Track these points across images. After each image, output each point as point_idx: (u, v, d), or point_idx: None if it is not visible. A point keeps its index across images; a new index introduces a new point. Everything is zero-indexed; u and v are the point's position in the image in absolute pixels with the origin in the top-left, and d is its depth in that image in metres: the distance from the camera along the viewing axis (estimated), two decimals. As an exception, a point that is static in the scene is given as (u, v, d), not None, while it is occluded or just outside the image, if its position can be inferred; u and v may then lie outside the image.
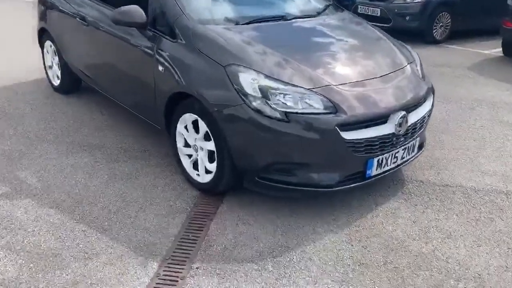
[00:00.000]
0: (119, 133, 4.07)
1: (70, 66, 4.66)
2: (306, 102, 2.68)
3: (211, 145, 2.96)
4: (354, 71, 2.97)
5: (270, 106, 2.64)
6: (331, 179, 2.79)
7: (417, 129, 3.08)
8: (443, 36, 8.46)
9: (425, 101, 3.13)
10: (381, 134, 2.80)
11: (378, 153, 2.84)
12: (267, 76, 2.72)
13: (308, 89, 2.71)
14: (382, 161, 2.89)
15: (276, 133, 2.65)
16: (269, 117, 2.64)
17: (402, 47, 3.54)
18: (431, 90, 3.25)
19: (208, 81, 2.86)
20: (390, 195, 3.22)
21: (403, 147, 2.99)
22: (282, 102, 2.66)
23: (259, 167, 2.79)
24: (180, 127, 3.20)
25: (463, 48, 8.06)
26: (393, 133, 2.85)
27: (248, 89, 2.70)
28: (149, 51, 3.27)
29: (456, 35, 8.46)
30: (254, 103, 2.67)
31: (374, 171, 2.88)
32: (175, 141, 3.29)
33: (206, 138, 3.01)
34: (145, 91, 3.45)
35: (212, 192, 3.14)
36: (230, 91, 2.74)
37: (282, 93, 2.68)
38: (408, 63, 3.28)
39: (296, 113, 2.64)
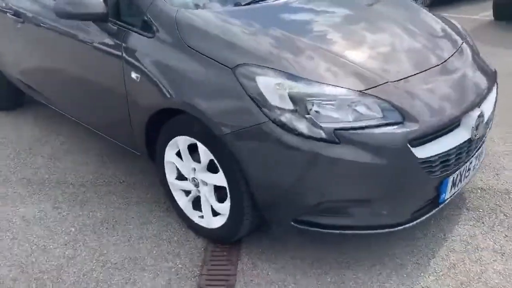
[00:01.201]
0: (83, 161, 3.11)
1: (6, 75, 3.62)
2: (358, 111, 1.84)
3: (219, 179, 2.10)
4: (408, 60, 2.15)
5: (310, 122, 1.80)
6: (400, 215, 1.99)
7: (489, 126, 2.31)
8: (426, 3, 7.82)
9: (492, 89, 2.36)
10: (458, 143, 2.02)
11: (454, 168, 2.06)
12: (297, 78, 1.87)
13: (360, 91, 1.87)
14: (457, 178, 2.11)
15: (321, 160, 1.81)
16: (310, 137, 1.79)
17: (443, 18, 2.75)
18: (495, 72, 2.47)
19: (210, 92, 1.97)
20: (454, 215, 2.47)
21: (476, 155, 2.23)
22: (325, 114, 1.82)
23: (297, 209, 1.95)
24: (169, 155, 2.31)
25: (448, 14, 7.39)
26: (469, 139, 2.07)
27: (273, 99, 1.83)
28: (114, 51, 2.34)
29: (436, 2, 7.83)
30: (284, 119, 1.81)
31: (448, 193, 2.10)
32: (164, 174, 2.40)
33: (211, 168, 2.14)
34: (112, 107, 2.52)
35: (224, 240, 2.29)
36: (245, 103, 1.87)
37: (323, 101, 1.83)
38: (463, 40, 2.49)
39: (349, 128, 1.80)
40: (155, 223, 2.49)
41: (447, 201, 2.13)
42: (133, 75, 2.25)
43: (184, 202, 2.38)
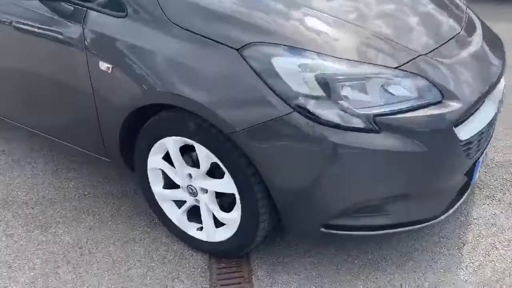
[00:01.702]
0: (32, 172, 2.59)
1: None
2: (391, 92, 1.56)
3: (224, 185, 1.75)
4: (428, 31, 1.89)
5: (344, 109, 1.49)
6: (438, 206, 1.76)
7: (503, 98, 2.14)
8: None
9: (505, 58, 2.18)
10: (489, 120, 1.82)
11: (485, 147, 1.87)
12: (324, 56, 1.54)
13: (395, 68, 1.59)
14: (485, 157, 1.92)
15: (359, 154, 1.51)
16: (345, 128, 1.49)
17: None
18: (501, 40, 2.30)
19: (212, 81, 1.59)
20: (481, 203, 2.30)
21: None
22: (357, 99, 1.52)
23: (329, 213, 1.65)
24: (154, 161, 1.91)
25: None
26: (496, 113, 1.88)
27: (297, 84, 1.50)
28: (72, 38, 1.87)
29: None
30: (311, 108, 1.49)
31: (477, 175, 1.91)
32: (147, 183, 2.00)
33: (211, 173, 1.78)
34: (75, 109, 2.06)
35: (231, 255, 1.95)
36: (261, 92, 1.52)
37: (354, 82, 1.53)
38: (465, 7, 2.28)
39: (389, 113, 1.51)
40: (141, 241, 2.09)
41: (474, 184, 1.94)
42: (102, 66, 1.80)
43: (176, 215, 2.00)
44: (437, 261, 1.91)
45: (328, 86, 1.49)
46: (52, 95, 2.08)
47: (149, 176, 1.98)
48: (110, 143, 2.01)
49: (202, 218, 1.91)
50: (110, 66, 1.78)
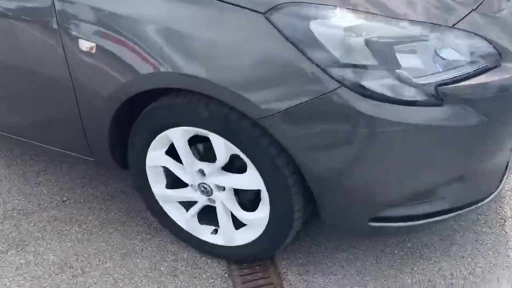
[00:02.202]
0: (5, 182, 2.19)
1: None
2: (446, 57, 1.30)
3: (248, 180, 1.46)
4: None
5: (401, 79, 1.23)
6: (492, 182, 1.55)
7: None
8: None
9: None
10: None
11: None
12: (372, 16, 1.26)
13: (452, 26, 1.33)
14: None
15: (419, 132, 1.26)
16: (404, 102, 1.23)
17: None
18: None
19: (233, 56, 1.27)
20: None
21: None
22: (410, 66, 1.26)
23: (380, 204, 1.40)
24: (155, 157, 1.59)
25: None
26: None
27: (343, 52, 1.22)
28: (39, 8, 1.48)
29: None
30: (363, 81, 1.22)
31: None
32: (146, 183, 1.68)
33: (228, 167, 1.49)
34: (46, 102, 1.68)
35: (255, 259, 1.68)
36: (297, 67, 1.23)
37: (410, 45, 1.26)
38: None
39: (449, 82, 1.26)
40: (142, 252, 1.77)
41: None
42: (83, 45, 1.44)
43: (184, 218, 1.69)
44: (483, 242, 1.73)
45: (381, 53, 1.22)
46: (20, 88, 1.69)
47: (148, 175, 1.66)
48: (96, 140, 1.67)
49: (219, 220, 1.62)
50: (93, 45, 1.42)
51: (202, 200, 1.62)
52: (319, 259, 1.70)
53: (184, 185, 1.63)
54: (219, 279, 1.65)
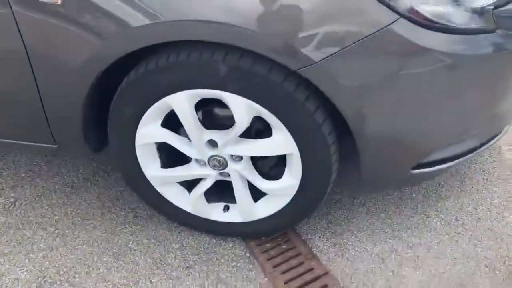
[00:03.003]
0: None
1: None
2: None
3: (276, 145, 1.23)
4: None
5: (465, 7, 1.07)
6: (505, 120, 1.49)
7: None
8: None
9: None
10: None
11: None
12: None
13: None
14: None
15: (479, 65, 1.13)
16: (465, 31, 1.08)
17: None
18: None
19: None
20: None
21: None
22: (458, -9, 1.10)
23: (428, 149, 1.26)
24: (148, 132, 1.29)
25: None
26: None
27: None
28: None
29: None
30: (423, 11, 1.03)
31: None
32: (136, 166, 1.37)
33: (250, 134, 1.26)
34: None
35: (278, 232, 1.49)
36: (348, 1, 1.01)
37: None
38: None
39: (504, 3, 1.13)
40: (138, 246, 1.48)
41: None
42: (42, -5, 1.06)
43: (189, 199, 1.43)
44: (490, 172, 1.72)
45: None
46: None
47: (138, 156, 1.35)
48: (62, 123, 1.31)
49: (236, 194, 1.38)
50: (60, -4, 1.05)
51: (212, 176, 1.36)
52: (340, 218, 1.56)
53: (184, 161, 1.36)
54: (241, 261, 1.44)
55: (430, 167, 1.32)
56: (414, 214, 1.56)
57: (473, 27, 1.09)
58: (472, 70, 1.13)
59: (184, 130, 1.29)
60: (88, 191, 1.68)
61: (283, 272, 1.39)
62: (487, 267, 1.38)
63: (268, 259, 1.44)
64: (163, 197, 1.44)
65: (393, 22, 1.02)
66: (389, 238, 1.49)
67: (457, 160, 1.35)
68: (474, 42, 1.10)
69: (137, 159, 1.36)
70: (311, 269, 1.40)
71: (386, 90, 1.11)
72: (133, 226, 1.55)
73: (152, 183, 1.41)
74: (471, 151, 1.37)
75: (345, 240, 1.48)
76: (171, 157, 1.39)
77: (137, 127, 1.28)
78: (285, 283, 1.36)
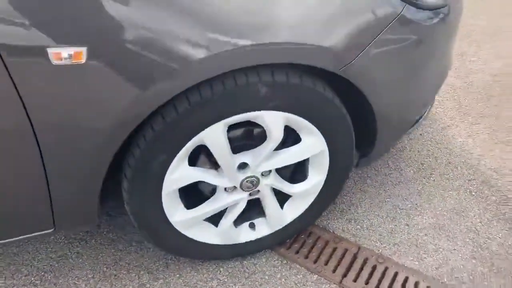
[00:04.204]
0: None
1: None
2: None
3: (307, 148, 1.26)
4: None
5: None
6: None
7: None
8: None
9: None
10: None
11: None
12: None
13: None
14: None
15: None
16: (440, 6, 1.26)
17: None
18: None
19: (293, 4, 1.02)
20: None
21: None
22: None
23: (418, 112, 1.45)
24: (179, 176, 1.18)
25: None
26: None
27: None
28: None
29: None
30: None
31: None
32: (163, 217, 1.25)
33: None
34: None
35: (297, 233, 1.52)
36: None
37: None
38: None
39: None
40: (175, 301, 1.36)
41: None
42: (65, 53, 0.87)
43: (219, 232, 1.35)
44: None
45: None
46: None
47: (164, 205, 1.22)
48: (74, 203, 1.11)
49: (267, 208, 1.37)
50: (82, 49, 0.88)
51: (244, 199, 1.32)
52: (338, 197, 1.67)
53: (201, 195, 1.29)
54: (283, 270, 1.43)
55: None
56: (391, 171, 1.77)
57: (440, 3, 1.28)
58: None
59: (201, 163, 1.23)
60: (88, 249, 1.44)
61: (326, 263, 1.45)
62: (466, 191, 1.67)
63: (305, 257, 1.47)
64: (189, 239, 1.33)
65: (403, 8, 1.14)
66: (386, 198, 1.66)
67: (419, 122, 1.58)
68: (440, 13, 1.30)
69: (162, 209, 1.23)
70: (346, 250, 1.49)
71: (401, 74, 1.24)
72: (153, 283, 1.40)
73: (178, 228, 1.29)
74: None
75: (356, 214, 1.60)
76: (188, 196, 1.29)
77: (164, 175, 1.16)
78: (333, 271, 1.43)
